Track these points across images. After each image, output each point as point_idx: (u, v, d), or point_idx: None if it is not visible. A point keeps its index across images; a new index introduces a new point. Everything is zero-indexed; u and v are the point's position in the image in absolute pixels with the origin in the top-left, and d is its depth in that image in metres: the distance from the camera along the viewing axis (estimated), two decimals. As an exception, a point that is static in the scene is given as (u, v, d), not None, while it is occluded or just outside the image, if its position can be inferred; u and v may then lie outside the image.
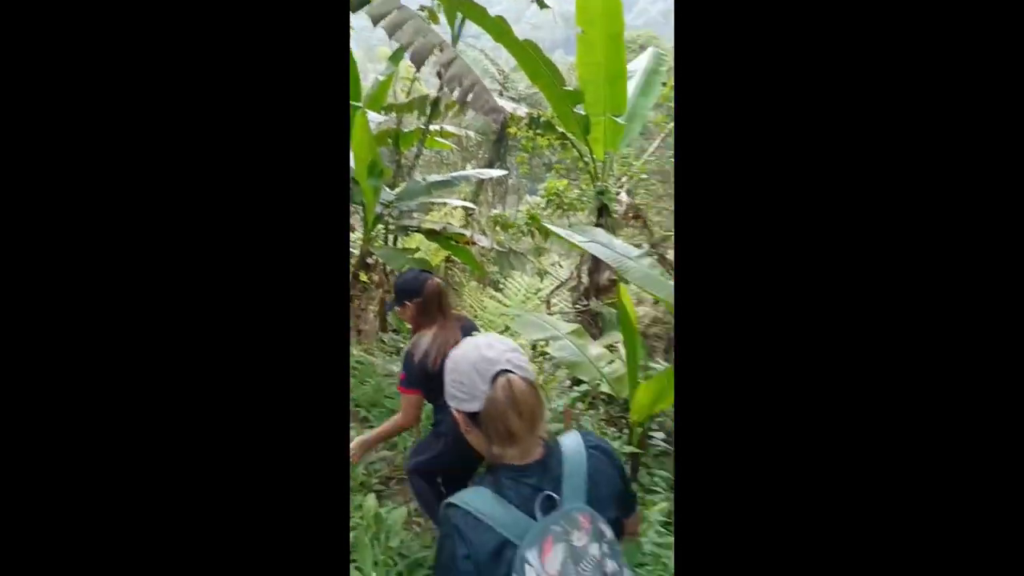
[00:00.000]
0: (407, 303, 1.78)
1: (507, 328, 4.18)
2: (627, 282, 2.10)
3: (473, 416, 0.84)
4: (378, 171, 3.27)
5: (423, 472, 1.86)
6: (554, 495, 0.80)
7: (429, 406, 1.91)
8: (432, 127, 4.35)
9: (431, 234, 3.96)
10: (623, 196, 3.65)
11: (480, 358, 0.83)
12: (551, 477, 0.82)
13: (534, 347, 3.70)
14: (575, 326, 2.37)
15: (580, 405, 2.85)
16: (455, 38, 3.93)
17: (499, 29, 2.83)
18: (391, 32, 2.56)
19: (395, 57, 3.92)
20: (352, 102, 2.83)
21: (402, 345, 3.55)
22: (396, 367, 1.77)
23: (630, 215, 3.66)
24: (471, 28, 3.37)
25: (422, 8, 3.78)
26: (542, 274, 5.16)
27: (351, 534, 1.86)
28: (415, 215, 4.31)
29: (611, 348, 2.49)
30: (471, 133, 5.91)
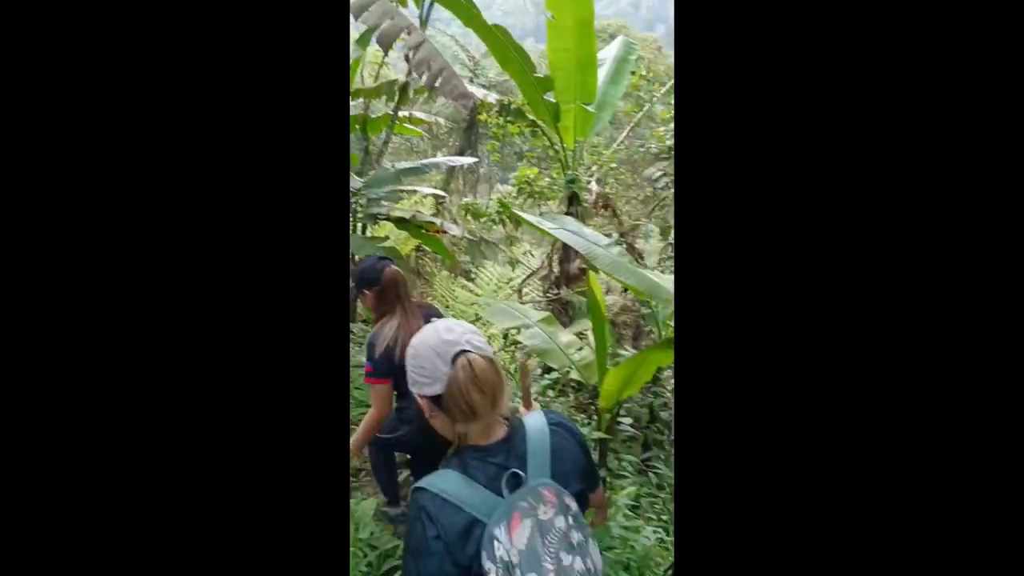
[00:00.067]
0: (366, 292, 1.76)
1: (478, 318, 4.17)
2: (596, 270, 2.12)
3: (436, 400, 0.85)
4: (345, 157, 3.19)
5: (381, 446, 1.92)
6: (520, 472, 0.82)
7: None
8: (401, 113, 4.27)
9: (401, 222, 3.90)
10: (593, 185, 3.67)
11: (440, 341, 0.84)
12: (516, 455, 0.85)
13: (505, 336, 3.71)
14: (545, 314, 2.38)
15: (551, 392, 2.87)
16: (423, 22, 3.85)
17: (468, 13, 2.78)
18: (357, 14, 2.49)
19: (362, 40, 3.81)
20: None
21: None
22: (363, 358, 1.74)
23: (600, 204, 3.68)
24: (442, 13, 3.31)
25: (389, -10, 3.68)
26: (514, 263, 5.16)
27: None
28: (384, 203, 4.23)
29: (581, 336, 2.51)
30: (441, 120, 5.82)
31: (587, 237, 1.96)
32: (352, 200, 3.57)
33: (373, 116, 4.36)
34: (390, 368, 1.66)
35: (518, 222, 4.27)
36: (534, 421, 0.91)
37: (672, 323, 2.27)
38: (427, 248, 4.39)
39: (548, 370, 2.81)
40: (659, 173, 3.93)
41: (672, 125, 3.90)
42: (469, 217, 4.73)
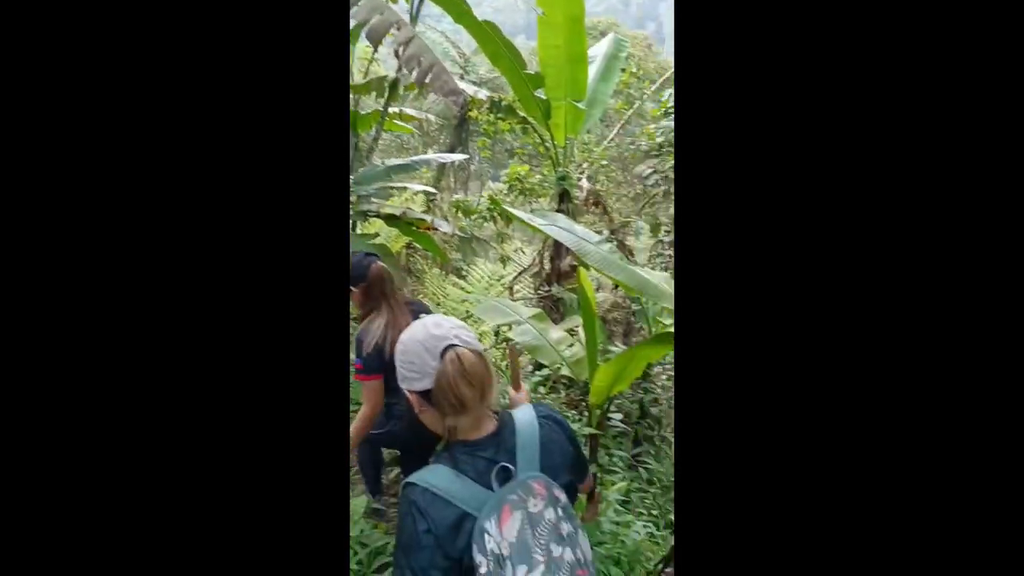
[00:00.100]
0: (352, 288, 1.75)
1: (469, 315, 4.16)
2: (588, 267, 2.12)
3: (426, 395, 0.85)
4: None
5: (372, 442, 1.94)
6: (509, 466, 0.83)
7: None
8: (391, 109, 4.24)
9: (391, 219, 3.88)
10: (584, 182, 3.67)
11: (428, 336, 0.85)
12: (505, 449, 0.85)
13: (497, 333, 3.71)
14: (536, 311, 2.38)
15: (542, 389, 2.88)
16: (414, 17, 3.82)
17: (459, 9, 2.77)
18: (346, 8, 2.46)
19: (351, 36, 3.79)
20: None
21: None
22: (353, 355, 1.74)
23: (591, 201, 3.69)
24: (433, 9, 3.29)
25: (379, -15, 3.65)
26: (505, 260, 5.16)
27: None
28: (374, 200, 4.21)
29: (571, 332, 2.52)
30: (432, 117, 5.80)
31: (578, 234, 1.96)
32: (342, 197, 3.53)
33: (363, 112, 4.33)
34: (380, 364, 1.66)
35: (509, 219, 4.26)
36: (523, 415, 0.91)
37: (662, 319, 2.29)
38: (418, 245, 4.37)
39: (539, 367, 2.81)
40: (649, 170, 3.94)
41: (662, 123, 3.91)
42: (460, 214, 4.72)
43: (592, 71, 3.39)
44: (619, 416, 2.81)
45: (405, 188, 4.94)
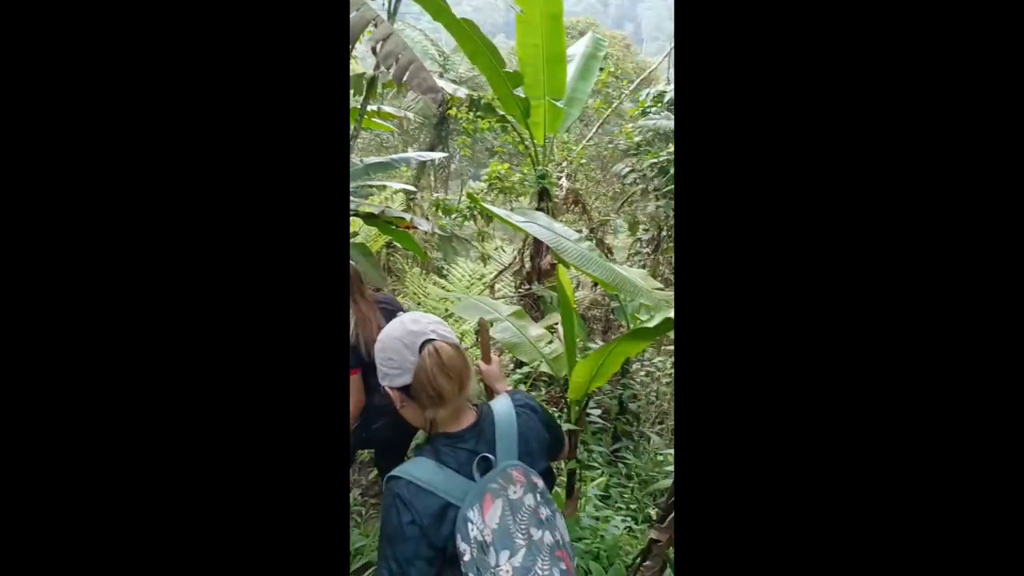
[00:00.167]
0: None
1: (451, 314, 4.15)
2: (567, 264, 2.13)
3: (406, 390, 0.87)
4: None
5: (359, 445, 1.90)
6: (490, 456, 0.86)
7: None
8: (369, 107, 4.19)
9: (370, 218, 3.84)
10: (563, 181, 3.69)
11: (406, 332, 0.87)
12: (486, 440, 0.88)
13: (477, 332, 3.70)
14: (516, 308, 2.38)
15: (523, 387, 2.89)
16: (391, 14, 3.79)
17: (437, 7, 2.75)
18: (321, 4, 2.43)
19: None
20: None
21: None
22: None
23: (570, 200, 3.70)
24: (413, 7, 3.27)
25: (356, -19, 3.61)
26: (485, 259, 5.15)
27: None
28: (353, 199, 4.16)
29: (551, 329, 2.53)
30: (411, 115, 5.75)
31: (556, 232, 1.97)
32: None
33: (341, 110, 4.27)
34: (357, 360, 1.65)
35: (489, 218, 4.26)
36: (501, 405, 0.94)
37: (640, 316, 2.31)
38: (398, 245, 4.33)
39: (519, 364, 2.82)
40: (627, 169, 3.97)
41: (640, 122, 3.95)
42: (440, 213, 4.70)
43: (571, 70, 3.40)
44: (598, 412, 2.83)
45: (385, 187, 4.90)
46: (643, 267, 3.78)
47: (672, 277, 3.71)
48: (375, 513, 2.35)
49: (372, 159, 4.00)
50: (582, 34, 4.51)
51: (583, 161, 4.44)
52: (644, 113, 4.01)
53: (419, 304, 4.61)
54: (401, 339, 0.86)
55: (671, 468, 2.01)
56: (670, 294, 1.66)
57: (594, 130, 4.83)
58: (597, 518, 2.03)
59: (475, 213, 4.28)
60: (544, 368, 2.19)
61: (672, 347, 3.68)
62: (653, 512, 2.31)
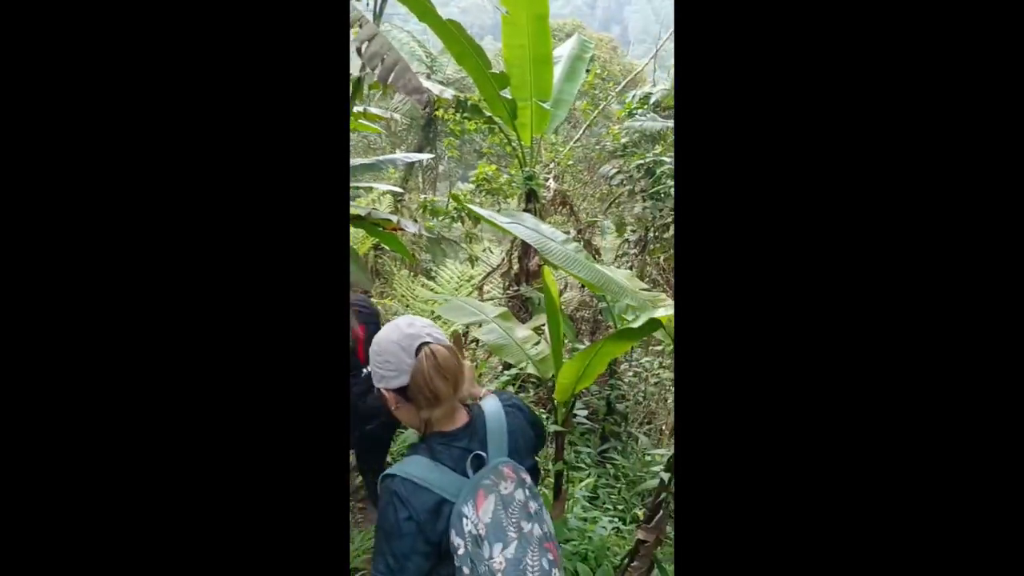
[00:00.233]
0: None
1: (438, 316, 4.13)
2: (554, 266, 2.13)
3: (402, 391, 0.90)
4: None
5: (356, 445, 1.97)
6: (482, 454, 0.90)
7: None
8: (356, 109, 4.17)
9: (357, 220, 3.81)
10: (551, 182, 3.69)
11: (403, 336, 0.90)
12: (478, 438, 0.92)
13: (466, 333, 3.69)
14: (502, 309, 2.38)
15: (511, 388, 2.88)
16: (377, 15, 3.78)
17: (423, 8, 2.74)
18: (305, 4, 2.41)
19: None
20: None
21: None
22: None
23: (558, 201, 3.71)
24: (400, 9, 3.25)
25: (341, -18, 3.58)
26: (473, 260, 5.14)
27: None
28: (340, 200, 4.14)
29: (538, 331, 2.53)
30: (398, 116, 5.73)
31: (543, 233, 1.97)
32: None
33: (327, 111, 4.24)
34: None
35: (477, 219, 4.25)
36: (491, 405, 0.98)
37: (626, 316, 2.32)
38: (386, 247, 4.31)
39: (507, 366, 2.81)
40: (614, 170, 3.99)
41: (627, 123, 3.97)
42: (428, 214, 4.68)
43: (557, 71, 3.41)
44: (585, 413, 2.83)
45: (372, 188, 4.87)
46: (631, 268, 3.79)
47: (658, 278, 3.73)
48: (363, 517, 2.33)
49: (359, 160, 3.98)
50: (569, 36, 4.52)
51: (570, 162, 4.46)
52: (631, 115, 4.03)
53: (407, 307, 4.59)
54: (398, 342, 0.89)
55: (659, 468, 2.02)
56: (655, 295, 1.66)
57: (581, 131, 4.84)
58: (585, 519, 2.03)
59: (463, 215, 4.27)
60: (531, 370, 2.18)
61: (659, 347, 3.70)
62: (641, 513, 2.31)
